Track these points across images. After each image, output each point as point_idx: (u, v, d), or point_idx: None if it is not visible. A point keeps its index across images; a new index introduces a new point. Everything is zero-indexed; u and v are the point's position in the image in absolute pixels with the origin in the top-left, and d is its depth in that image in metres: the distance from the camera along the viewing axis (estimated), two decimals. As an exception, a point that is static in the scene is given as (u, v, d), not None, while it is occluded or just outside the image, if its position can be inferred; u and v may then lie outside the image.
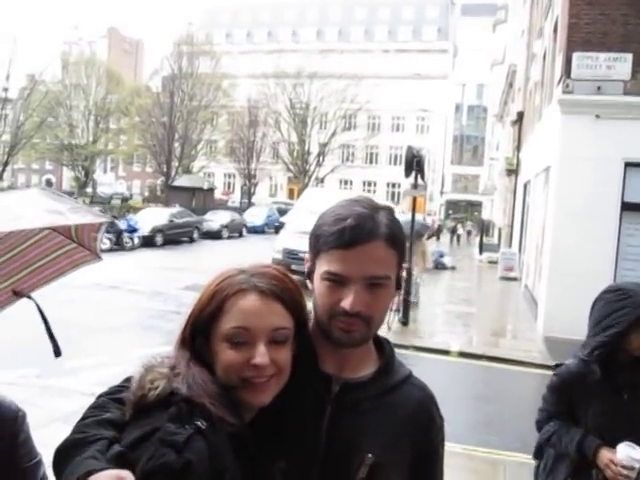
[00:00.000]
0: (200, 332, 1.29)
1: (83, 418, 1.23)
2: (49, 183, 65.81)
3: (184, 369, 1.22)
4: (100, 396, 1.29)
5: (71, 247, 1.68)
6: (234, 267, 1.34)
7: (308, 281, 1.40)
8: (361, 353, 1.41)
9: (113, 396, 1.26)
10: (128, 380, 1.26)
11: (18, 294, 1.72)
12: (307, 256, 1.40)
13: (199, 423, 1.13)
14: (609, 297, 2.64)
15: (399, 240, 1.35)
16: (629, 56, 11.41)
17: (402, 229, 1.38)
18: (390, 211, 1.37)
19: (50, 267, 1.73)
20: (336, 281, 1.29)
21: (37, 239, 1.65)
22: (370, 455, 1.31)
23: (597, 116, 11.58)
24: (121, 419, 1.19)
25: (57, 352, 1.68)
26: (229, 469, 1.15)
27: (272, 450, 1.27)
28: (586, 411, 2.64)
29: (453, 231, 45.56)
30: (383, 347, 1.49)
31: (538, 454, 2.96)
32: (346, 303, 1.27)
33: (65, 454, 1.16)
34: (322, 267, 1.31)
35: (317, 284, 1.33)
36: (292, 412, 1.31)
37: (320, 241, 1.33)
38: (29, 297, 1.72)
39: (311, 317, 1.39)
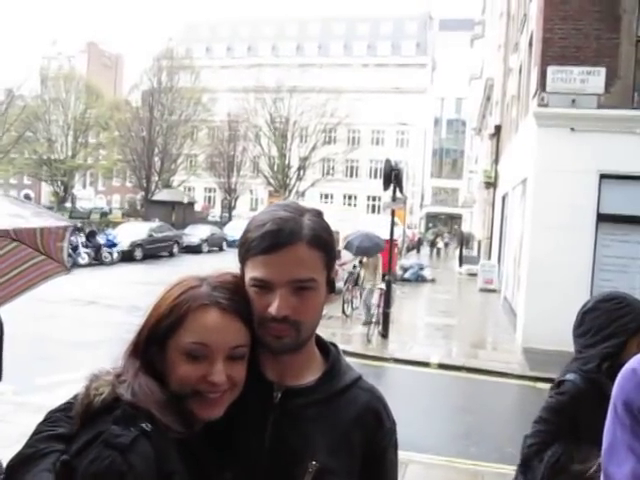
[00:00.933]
0: (155, 342, 1.27)
1: (35, 433, 1.22)
2: (27, 198, 65.22)
3: (131, 377, 1.22)
4: (50, 412, 1.28)
5: (40, 259, 1.68)
6: (193, 276, 1.33)
7: None
8: (302, 359, 1.39)
9: (63, 413, 1.25)
10: (76, 396, 1.25)
11: None
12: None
13: (144, 425, 1.12)
14: (607, 306, 2.52)
15: (324, 241, 1.33)
16: (602, 70, 11.62)
17: (329, 231, 1.36)
18: (316, 213, 1.36)
19: (20, 279, 1.72)
20: (262, 287, 1.28)
21: (6, 251, 1.64)
22: (314, 462, 1.29)
23: (572, 129, 11.76)
24: (71, 433, 1.18)
25: None
26: (177, 471, 1.13)
27: (218, 460, 1.26)
28: (595, 427, 2.47)
29: (432, 244, 45.26)
30: (329, 351, 1.46)
31: (527, 474, 2.80)
32: (272, 308, 1.26)
33: (17, 469, 1.15)
34: (248, 274, 1.30)
35: (248, 288, 1.31)
36: (237, 421, 1.30)
37: (244, 249, 1.32)
38: None
39: None
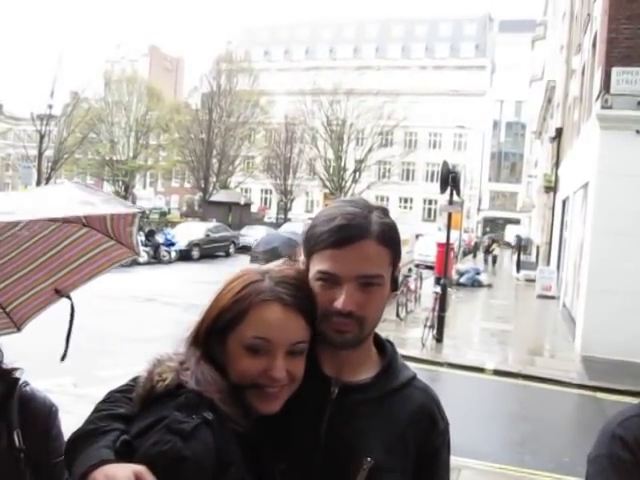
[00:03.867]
0: (216, 333, 1.29)
1: (95, 411, 1.25)
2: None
3: (194, 365, 1.23)
4: (110, 392, 1.31)
5: (109, 245, 1.71)
6: (255, 269, 1.34)
7: None
8: (360, 355, 1.40)
9: (123, 394, 1.28)
10: (136, 379, 1.28)
11: (59, 293, 1.75)
12: (301, 259, 1.38)
13: (206, 414, 1.14)
14: None
15: (392, 239, 1.35)
16: (670, 71, 11.24)
17: (396, 229, 1.38)
18: (384, 211, 1.38)
19: (89, 265, 1.75)
20: (328, 280, 1.29)
21: (75, 237, 1.69)
22: (369, 459, 1.30)
23: (637, 132, 11.40)
24: (132, 414, 1.21)
25: (64, 357, 1.71)
26: (235, 462, 1.15)
27: (273, 452, 1.27)
28: None
29: (487, 251, 38.82)
30: (385, 349, 1.47)
31: None
32: (338, 302, 1.27)
33: (77, 444, 1.18)
34: (315, 267, 1.31)
35: (313, 281, 1.32)
36: (293, 414, 1.31)
37: (312, 242, 1.33)
38: (68, 297, 1.75)
39: None
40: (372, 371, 1.41)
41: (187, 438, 1.08)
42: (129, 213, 1.57)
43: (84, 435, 1.18)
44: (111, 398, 1.29)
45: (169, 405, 1.14)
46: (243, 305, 1.26)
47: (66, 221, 1.59)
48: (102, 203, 1.48)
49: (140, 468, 1.07)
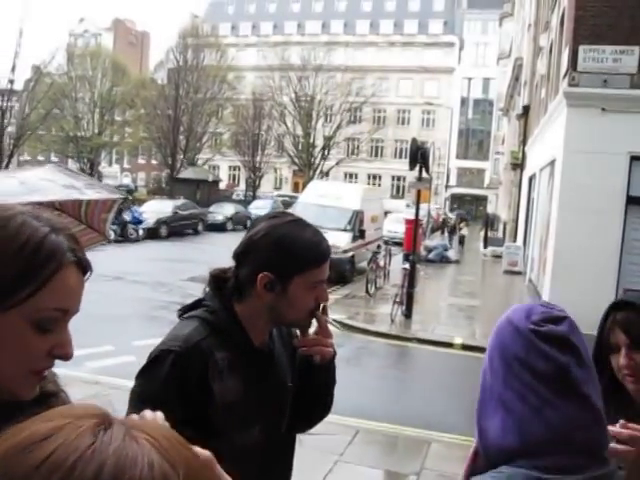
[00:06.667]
0: None
1: None
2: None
3: None
4: None
5: (79, 229, 1.68)
6: (27, 212, 1.00)
7: (264, 291, 1.62)
8: None
9: None
10: None
11: None
12: (266, 274, 1.61)
13: None
14: None
15: None
16: (636, 49, 11.35)
17: None
18: None
19: None
20: (320, 285, 1.68)
21: None
22: (290, 384, 1.78)
23: (603, 109, 11.53)
24: None
25: None
26: None
27: (248, 421, 1.57)
28: None
29: (452, 231, 32.88)
30: None
31: None
32: (326, 298, 1.72)
33: None
34: (313, 278, 1.66)
35: (302, 291, 1.64)
36: (250, 386, 1.64)
37: (304, 260, 1.64)
38: None
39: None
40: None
41: None
42: (109, 198, 1.54)
43: None
44: None
45: None
46: (50, 268, 0.96)
47: (39, 203, 1.56)
48: (85, 188, 1.45)
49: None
